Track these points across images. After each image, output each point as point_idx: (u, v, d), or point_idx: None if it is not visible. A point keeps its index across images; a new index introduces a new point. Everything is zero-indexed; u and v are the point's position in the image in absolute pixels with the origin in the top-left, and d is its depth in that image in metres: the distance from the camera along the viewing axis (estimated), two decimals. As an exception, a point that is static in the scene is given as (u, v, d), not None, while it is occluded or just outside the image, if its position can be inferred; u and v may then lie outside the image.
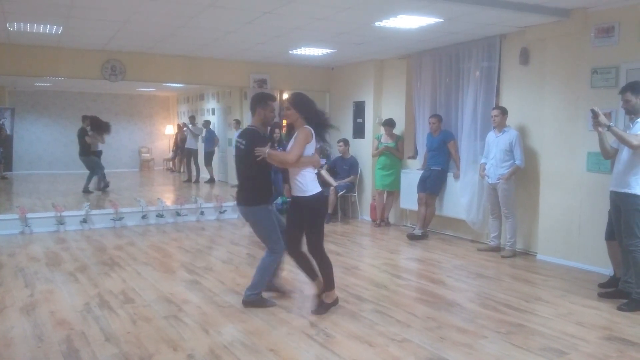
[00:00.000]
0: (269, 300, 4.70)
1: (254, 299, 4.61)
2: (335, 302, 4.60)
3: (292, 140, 4.35)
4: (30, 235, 7.82)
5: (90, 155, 11.85)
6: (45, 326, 4.15)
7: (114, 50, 8.57)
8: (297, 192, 4.43)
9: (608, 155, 4.97)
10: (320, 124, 4.44)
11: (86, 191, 11.48)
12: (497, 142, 6.67)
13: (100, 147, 12.36)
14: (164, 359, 3.57)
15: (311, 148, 4.35)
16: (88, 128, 11.89)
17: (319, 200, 4.47)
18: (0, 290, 5.10)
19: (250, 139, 4.50)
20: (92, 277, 5.61)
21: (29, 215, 8.05)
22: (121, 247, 7.10)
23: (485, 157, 6.89)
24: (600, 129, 4.79)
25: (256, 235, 4.81)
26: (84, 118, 12.31)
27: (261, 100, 4.58)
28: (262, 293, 4.68)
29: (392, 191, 8.83)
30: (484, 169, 6.87)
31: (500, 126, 6.65)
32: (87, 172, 11.92)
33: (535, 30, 6.47)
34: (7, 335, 3.95)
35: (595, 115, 4.73)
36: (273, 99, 4.68)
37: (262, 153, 4.31)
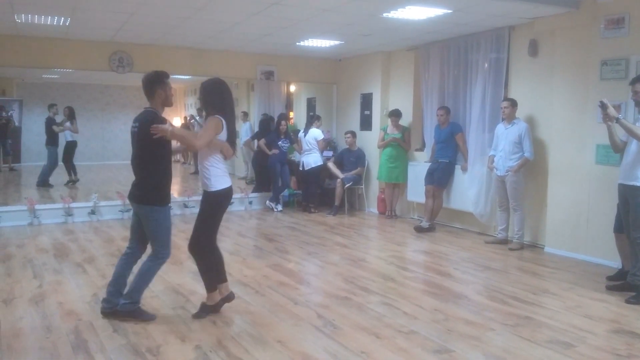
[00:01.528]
0: (147, 313, 4.15)
1: (130, 309, 4.08)
2: (218, 305, 4.25)
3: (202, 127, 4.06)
4: (38, 226, 7.86)
5: (57, 145, 11.50)
6: (53, 317, 4.18)
7: (121, 42, 8.57)
8: (202, 186, 4.14)
9: (618, 148, 4.93)
10: (228, 114, 4.11)
11: (42, 185, 11.23)
12: (506, 134, 6.63)
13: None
14: (172, 349, 3.59)
15: (221, 137, 4.03)
16: (59, 118, 11.56)
17: (220, 196, 4.10)
18: (9, 281, 5.14)
19: (146, 120, 3.94)
20: (100, 268, 5.64)
21: (37, 206, 8.09)
22: (129, 238, 7.10)
23: (494, 149, 6.85)
24: (609, 121, 4.75)
25: (146, 232, 4.17)
26: (51, 106, 11.88)
27: (159, 80, 4.09)
28: (139, 304, 4.15)
29: (398, 183, 8.81)
30: (493, 161, 6.84)
31: (510, 118, 6.61)
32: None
33: (545, 22, 6.41)
34: (16, 326, 3.98)
35: (604, 107, 4.69)
36: (168, 76, 4.19)
37: (163, 131, 3.81)
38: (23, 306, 4.43)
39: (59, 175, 11.88)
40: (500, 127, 6.77)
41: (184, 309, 4.37)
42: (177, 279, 5.22)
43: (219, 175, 4.08)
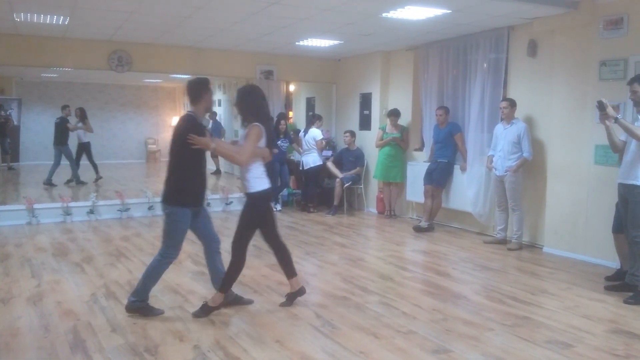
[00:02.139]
0: (156, 309, 4.23)
1: (138, 306, 4.16)
2: (219, 307, 4.26)
3: (244, 138, 4.12)
4: (37, 225, 7.86)
5: (66, 145, 11.63)
6: (51, 316, 4.18)
7: (120, 41, 8.56)
8: (244, 188, 4.22)
9: (617, 148, 4.93)
10: (266, 119, 4.22)
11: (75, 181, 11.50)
12: (505, 134, 6.63)
13: (90, 136, 12.19)
14: (170, 349, 3.59)
15: (261, 144, 4.13)
16: (72, 119, 11.74)
17: (261, 198, 4.21)
18: (8, 280, 5.14)
19: (188, 125, 4.01)
20: (98, 267, 5.64)
21: (35, 205, 8.09)
22: (127, 238, 7.12)
23: (493, 149, 6.85)
24: (607, 121, 4.75)
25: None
26: (64, 107, 12.02)
27: (206, 85, 4.15)
28: (147, 300, 4.21)
29: (396, 183, 8.81)
30: (492, 161, 6.84)
31: (509, 118, 6.61)
32: (100, 162, 11.85)
33: (544, 22, 6.41)
34: (14, 325, 3.98)
35: (602, 107, 4.68)
36: (210, 82, 4.29)
37: (205, 145, 3.94)
38: (21, 305, 4.43)
39: (61, 175, 11.87)
40: (499, 127, 6.77)
41: (182, 309, 4.37)
42: (176, 279, 5.22)
43: (257, 177, 4.17)
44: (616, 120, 4.66)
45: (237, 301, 4.45)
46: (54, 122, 11.92)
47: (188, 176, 4.10)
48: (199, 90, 4.12)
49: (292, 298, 4.47)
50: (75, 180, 11.67)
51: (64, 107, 12.11)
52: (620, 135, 4.85)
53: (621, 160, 5.27)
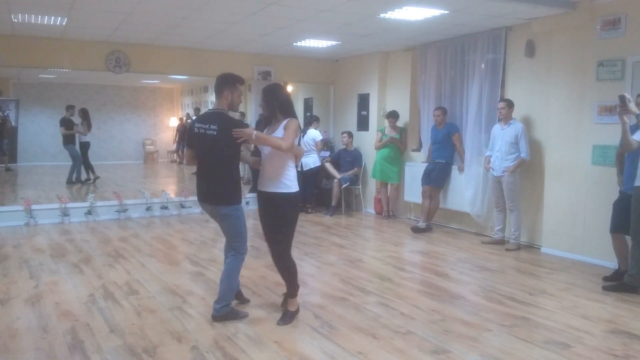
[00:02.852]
0: (241, 312, 4.24)
1: (226, 311, 4.13)
2: (298, 310, 4.22)
3: (282, 129, 3.95)
4: (35, 226, 7.84)
5: (74, 144, 11.91)
6: (50, 317, 4.17)
7: (118, 42, 8.55)
8: (277, 189, 4.01)
9: (631, 147, 4.75)
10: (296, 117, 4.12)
11: (72, 182, 11.65)
12: (502, 135, 6.63)
13: (88, 136, 12.36)
14: (168, 350, 3.58)
15: (296, 141, 4.05)
16: (76, 119, 11.94)
17: (297, 197, 4.13)
18: (6, 281, 5.13)
19: (225, 123, 3.94)
20: (96, 268, 5.63)
21: (33, 206, 8.07)
22: (125, 238, 7.12)
23: (490, 149, 6.86)
24: (625, 117, 4.67)
25: (224, 233, 4.27)
26: (69, 107, 12.24)
27: (230, 82, 4.04)
28: (231, 304, 4.22)
29: (394, 184, 8.82)
30: (489, 161, 6.85)
31: (506, 119, 6.61)
32: (97, 163, 11.96)
33: (541, 22, 6.42)
34: (12, 326, 3.97)
35: (624, 102, 4.59)
36: (242, 82, 4.14)
37: (246, 135, 3.85)
38: (19, 306, 4.42)
39: (62, 175, 11.91)
40: (497, 128, 6.78)
41: (181, 310, 4.36)
42: (174, 280, 5.21)
43: (294, 177, 4.10)
44: (637, 117, 4.61)
45: (238, 296, 4.48)
46: (52, 123, 12.00)
47: (237, 172, 4.13)
48: (220, 85, 4.06)
49: (293, 316, 4.21)
50: (76, 179, 11.81)
51: (69, 108, 12.24)
52: (635, 135, 4.76)
53: (619, 162, 5.30)
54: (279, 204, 4.04)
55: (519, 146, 6.51)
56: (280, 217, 4.06)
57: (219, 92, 4.07)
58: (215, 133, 3.93)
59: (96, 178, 12.26)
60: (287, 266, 4.18)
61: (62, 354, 3.51)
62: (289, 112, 4.07)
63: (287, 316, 4.13)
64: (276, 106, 4.06)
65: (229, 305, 4.16)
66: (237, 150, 4.01)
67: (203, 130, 3.97)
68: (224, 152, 3.97)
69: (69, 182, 11.77)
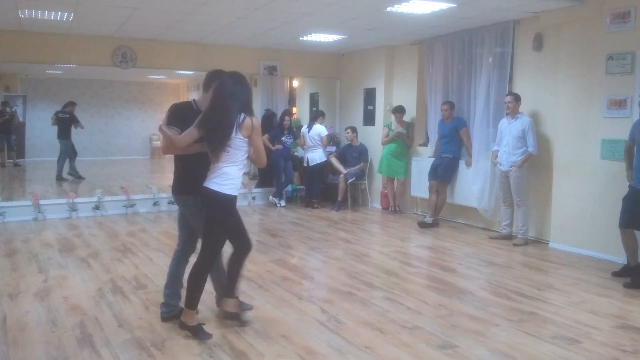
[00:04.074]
0: (244, 303, 4.02)
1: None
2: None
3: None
4: (43, 221, 7.88)
5: (70, 139, 12.00)
6: (58, 311, 4.19)
7: (124, 37, 8.56)
8: (213, 186, 3.61)
9: None
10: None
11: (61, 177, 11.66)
12: (509, 129, 6.59)
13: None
14: (176, 344, 3.59)
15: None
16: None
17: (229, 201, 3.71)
18: (15, 275, 5.16)
19: (169, 113, 3.84)
20: (104, 263, 5.66)
21: (41, 201, 8.12)
22: (133, 233, 7.14)
23: (498, 144, 6.82)
24: None
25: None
26: (72, 104, 12.38)
27: (218, 77, 3.79)
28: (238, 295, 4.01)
29: (399, 178, 8.80)
30: (496, 156, 6.82)
31: (513, 113, 6.57)
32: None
33: (549, 16, 6.37)
34: (21, 320, 4.00)
35: None
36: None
37: (160, 128, 3.69)
38: (28, 301, 4.44)
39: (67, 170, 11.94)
40: (504, 122, 6.74)
41: (188, 304, 4.37)
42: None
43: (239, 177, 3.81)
44: None
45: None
46: (60, 116, 12.06)
47: (181, 164, 3.94)
48: (209, 81, 3.87)
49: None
50: (57, 176, 11.84)
51: (72, 104, 12.37)
52: None
53: (628, 156, 5.26)
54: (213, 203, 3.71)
55: (526, 140, 6.46)
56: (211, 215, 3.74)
57: (207, 87, 3.86)
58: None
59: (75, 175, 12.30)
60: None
61: (71, 347, 3.53)
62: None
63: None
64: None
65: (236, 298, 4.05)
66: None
67: None
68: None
69: (77, 176, 11.85)
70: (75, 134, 12.35)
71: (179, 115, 3.81)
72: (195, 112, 3.77)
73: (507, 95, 6.72)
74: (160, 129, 3.71)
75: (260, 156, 3.78)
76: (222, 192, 3.60)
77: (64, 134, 12.02)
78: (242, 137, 3.61)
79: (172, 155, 3.98)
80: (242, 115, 3.61)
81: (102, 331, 3.80)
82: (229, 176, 3.63)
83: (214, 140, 3.57)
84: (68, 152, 11.98)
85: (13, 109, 14.91)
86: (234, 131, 3.57)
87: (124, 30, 8.01)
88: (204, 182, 3.65)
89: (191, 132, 3.61)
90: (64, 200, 8.33)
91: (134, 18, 7.15)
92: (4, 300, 4.45)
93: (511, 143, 6.56)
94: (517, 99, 6.58)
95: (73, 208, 8.21)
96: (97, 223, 7.83)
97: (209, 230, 3.71)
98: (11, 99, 15.38)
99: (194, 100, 3.99)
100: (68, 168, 12.08)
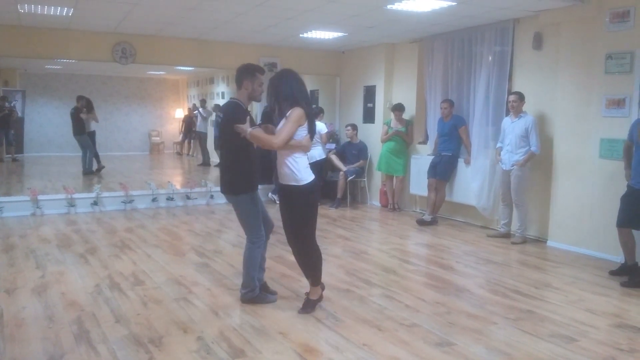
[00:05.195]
0: (268, 296, 4.37)
1: (251, 296, 4.27)
2: (320, 298, 4.21)
3: (283, 120, 3.88)
4: (41, 217, 7.88)
5: (84, 134, 11.98)
6: (56, 307, 4.19)
7: (124, 32, 8.54)
8: (287, 180, 3.94)
9: None
10: (307, 104, 3.96)
11: (89, 172, 11.72)
12: (512, 128, 6.54)
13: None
14: (174, 340, 3.59)
15: (302, 131, 3.88)
16: (84, 109, 12.02)
17: (312, 189, 3.98)
18: (12, 271, 5.16)
19: (230, 112, 4.03)
20: (102, 259, 5.65)
21: (40, 197, 8.11)
22: (131, 229, 7.14)
23: (501, 141, 6.78)
24: None
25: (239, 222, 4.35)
26: (80, 98, 12.33)
27: (249, 72, 4.07)
28: (257, 289, 4.30)
29: (399, 176, 8.80)
30: (499, 153, 6.78)
31: (517, 111, 6.52)
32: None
33: (549, 15, 6.37)
34: (18, 316, 3.99)
35: None
36: (262, 71, 4.14)
37: (243, 131, 3.82)
38: (26, 296, 4.44)
39: (70, 165, 11.93)
40: (507, 121, 6.70)
41: (187, 300, 4.37)
42: (180, 270, 5.23)
43: (306, 166, 3.96)
44: None
45: (263, 288, 4.44)
46: (58, 114, 12.07)
47: (243, 161, 4.09)
48: (240, 75, 4.09)
49: (314, 305, 4.20)
50: (85, 170, 11.90)
51: (80, 98, 12.30)
52: None
53: (627, 155, 5.26)
54: (289, 197, 4.01)
55: (529, 140, 6.44)
56: (291, 210, 4.02)
57: (239, 82, 4.09)
58: (219, 120, 4.02)
59: (101, 168, 12.33)
60: (305, 257, 4.14)
61: (68, 343, 3.52)
62: (293, 101, 3.88)
63: (308, 305, 4.15)
64: (278, 98, 3.93)
65: (254, 291, 4.26)
66: (242, 140, 3.90)
67: (218, 118, 4.03)
68: (228, 140, 4.02)
69: (88, 172, 11.83)
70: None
71: (247, 115, 4.02)
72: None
73: (511, 94, 6.65)
74: (252, 134, 3.83)
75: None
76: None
77: (73, 129, 12.02)
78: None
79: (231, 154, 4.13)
80: None
81: (99, 327, 3.80)
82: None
83: (312, 131, 3.95)
84: (85, 147, 11.95)
85: (12, 104, 14.88)
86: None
87: (124, 25, 7.99)
88: (309, 174, 3.95)
89: (291, 129, 3.80)
90: (62, 196, 8.33)
91: (134, 13, 7.14)
92: (1, 295, 4.45)
93: (514, 142, 6.53)
94: (521, 98, 6.52)
95: (71, 203, 8.21)
96: (96, 219, 7.82)
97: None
98: (10, 93, 15.35)
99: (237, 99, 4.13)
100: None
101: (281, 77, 3.99)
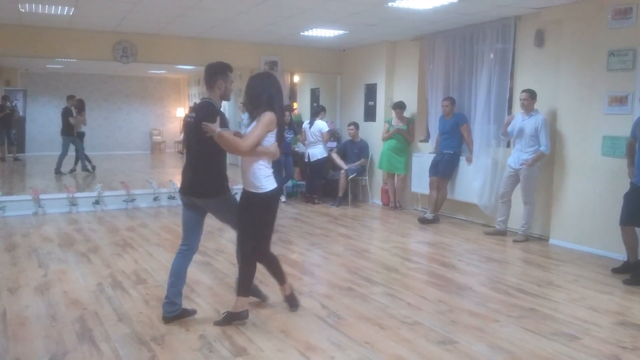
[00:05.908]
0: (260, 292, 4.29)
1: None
2: (245, 314, 3.87)
3: (254, 123, 3.73)
4: (43, 216, 7.89)
5: (73, 135, 11.95)
6: (58, 306, 4.19)
7: (125, 31, 8.54)
8: (248, 187, 3.81)
9: None
10: (279, 111, 3.79)
11: (59, 172, 11.71)
12: (523, 126, 6.42)
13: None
14: (176, 339, 3.60)
15: (271, 137, 3.75)
16: (73, 109, 11.97)
17: (272, 197, 3.84)
18: (15, 270, 5.16)
19: (201, 112, 3.77)
20: (104, 257, 5.66)
21: (42, 196, 8.12)
22: (133, 228, 7.14)
23: (511, 133, 6.65)
24: None
25: (225, 222, 4.20)
26: (69, 98, 12.33)
27: (222, 71, 3.86)
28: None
29: (400, 175, 8.80)
30: (508, 128, 6.65)
31: (528, 109, 6.40)
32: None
33: (551, 12, 6.35)
34: (21, 315, 4.00)
35: None
36: (232, 69, 3.95)
37: (211, 130, 3.60)
38: (28, 295, 4.45)
39: (65, 165, 11.94)
40: (519, 117, 6.56)
41: (189, 299, 4.37)
42: (181, 269, 5.22)
43: (267, 175, 3.80)
44: None
45: (255, 293, 4.29)
46: (58, 112, 12.07)
47: (219, 163, 3.89)
48: (213, 75, 3.87)
49: (292, 301, 4.17)
50: (82, 168, 11.92)
51: (69, 98, 12.30)
52: None
53: (629, 153, 5.25)
54: (247, 202, 3.85)
55: (539, 139, 6.32)
56: (247, 215, 3.85)
57: (212, 82, 3.86)
58: (192, 120, 3.80)
59: (93, 167, 12.33)
60: (245, 264, 3.91)
61: (70, 342, 3.53)
62: (268, 106, 3.73)
63: (227, 317, 3.86)
64: (253, 100, 3.79)
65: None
66: (213, 140, 3.68)
67: (189, 119, 3.87)
68: (201, 141, 3.73)
69: (56, 172, 11.71)
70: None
71: (219, 115, 3.76)
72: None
73: (522, 91, 6.49)
74: (221, 135, 3.61)
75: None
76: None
77: (62, 129, 12.03)
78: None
79: (203, 157, 3.85)
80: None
81: (101, 326, 3.80)
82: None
83: (280, 138, 3.88)
84: (65, 149, 11.90)
85: (13, 104, 14.90)
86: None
87: (125, 24, 7.99)
88: (270, 182, 3.81)
89: (261, 133, 3.67)
90: (64, 195, 8.34)
91: (134, 12, 7.13)
92: (3, 294, 4.45)
93: (524, 141, 6.44)
94: (532, 95, 6.38)
95: (73, 203, 8.22)
96: (97, 218, 7.83)
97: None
98: (11, 93, 15.37)
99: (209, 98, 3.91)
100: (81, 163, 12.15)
101: (261, 79, 3.88)
